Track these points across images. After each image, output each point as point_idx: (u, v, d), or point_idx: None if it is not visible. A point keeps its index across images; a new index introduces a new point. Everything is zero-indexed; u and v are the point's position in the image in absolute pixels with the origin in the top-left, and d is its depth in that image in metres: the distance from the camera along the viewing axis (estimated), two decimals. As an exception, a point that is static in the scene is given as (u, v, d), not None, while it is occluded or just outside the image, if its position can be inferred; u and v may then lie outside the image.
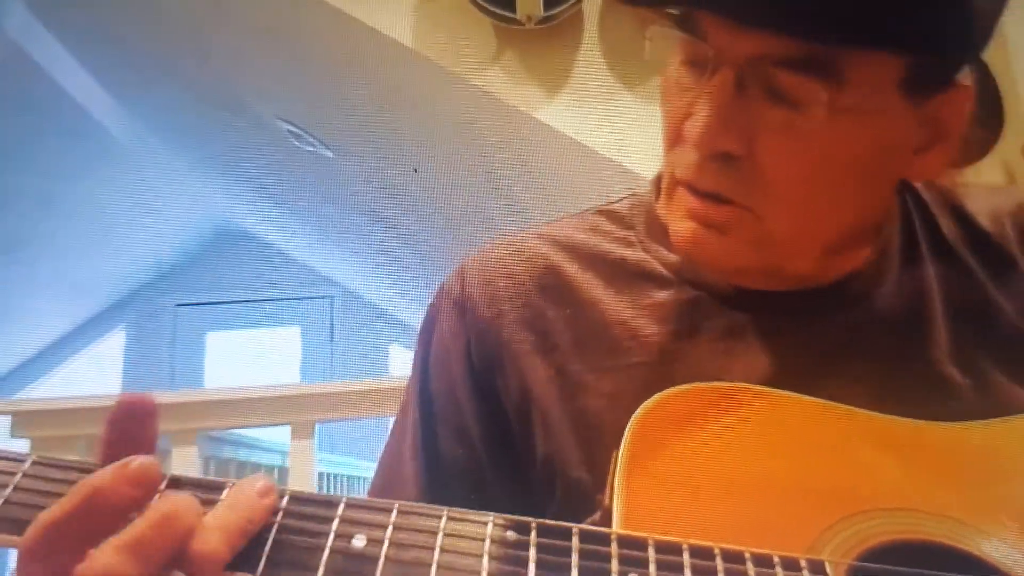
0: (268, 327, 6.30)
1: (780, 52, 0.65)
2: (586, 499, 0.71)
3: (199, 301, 6.34)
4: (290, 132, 3.35)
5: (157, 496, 0.52)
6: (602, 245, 0.81)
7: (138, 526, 0.50)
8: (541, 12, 1.97)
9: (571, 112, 2.06)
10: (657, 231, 0.80)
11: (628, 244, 0.81)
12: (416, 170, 2.98)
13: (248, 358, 6.02)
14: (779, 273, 0.75)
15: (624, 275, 0.79)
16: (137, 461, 0.51)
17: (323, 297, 6.32)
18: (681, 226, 0.72)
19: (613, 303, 0.78)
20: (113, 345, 6.29)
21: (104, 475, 0.50)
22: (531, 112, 2.06)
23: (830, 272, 0.76)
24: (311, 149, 3.43)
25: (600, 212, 0.85)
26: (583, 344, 0.77)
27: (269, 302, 6.26)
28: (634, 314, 0.77)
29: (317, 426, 2.66)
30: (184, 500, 0.51)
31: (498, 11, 1.99)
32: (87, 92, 4.19)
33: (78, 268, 5.45)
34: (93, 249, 5.39)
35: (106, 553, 0.49)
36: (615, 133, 2.04)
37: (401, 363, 5.74)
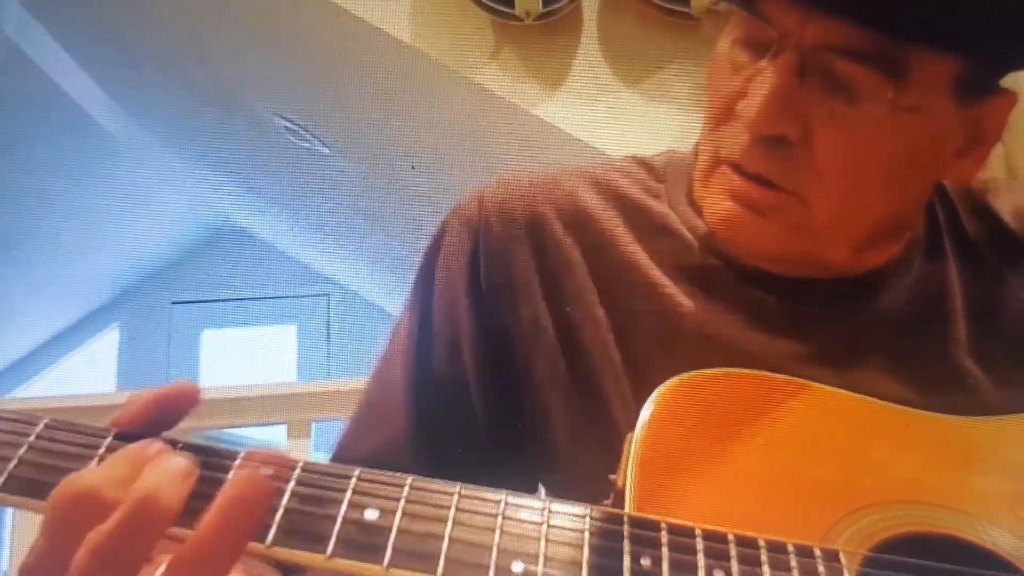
0: (264, 325, 6.29)
1: (849, 43, 0.64)
2: (564, 432, 0.73)
3: (194, 299, 6.32)
4: (287, 129, 3.34)
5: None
6: (630, 189, 0.80)
7: (109, 525, 0.47)
8: (540, 8, 1.97)
9: (570, 109, 2.06)
10: (689, 193, 0.79)
11: (655, 195, 0.80)
12: (414, 167, 2.98)
13: (244, 356, 6.01)
14: (810, 261, 0.74)
15: (645, 224, 0.78)
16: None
17: (320, 295, 6.32)
18: (720, 205, 0.72)
19: (631, 245, 0.77)
20: (108, 343, 6.28)
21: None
22: (529, 109, 2.05)
23: (860, 264, 0.76)
24: (308, 146, 3.42)
25: (635, 159, 0.84)
26: (596, 277, 0.76)
27: (265, 300, 6.25)
28: (651, 264, 0.76)
29: (313, 425, 2.65)
30: (160, 480, 0.48)
31: (497, 7, 1.98)
32: (83, 90, 4.18)
33: (73, 266, 5.44)
34: (88, 246, 5.38)
35: (82, 556, 0.46)
36: (614, 130, 2.03)
37: (398, 361, 5.73)
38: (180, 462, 0.49)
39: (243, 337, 6.27)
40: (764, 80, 0.67)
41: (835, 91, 0.66)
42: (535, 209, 0.78)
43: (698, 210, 0.77)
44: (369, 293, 5.94)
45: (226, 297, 6.31)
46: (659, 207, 0.79)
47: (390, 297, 5.62)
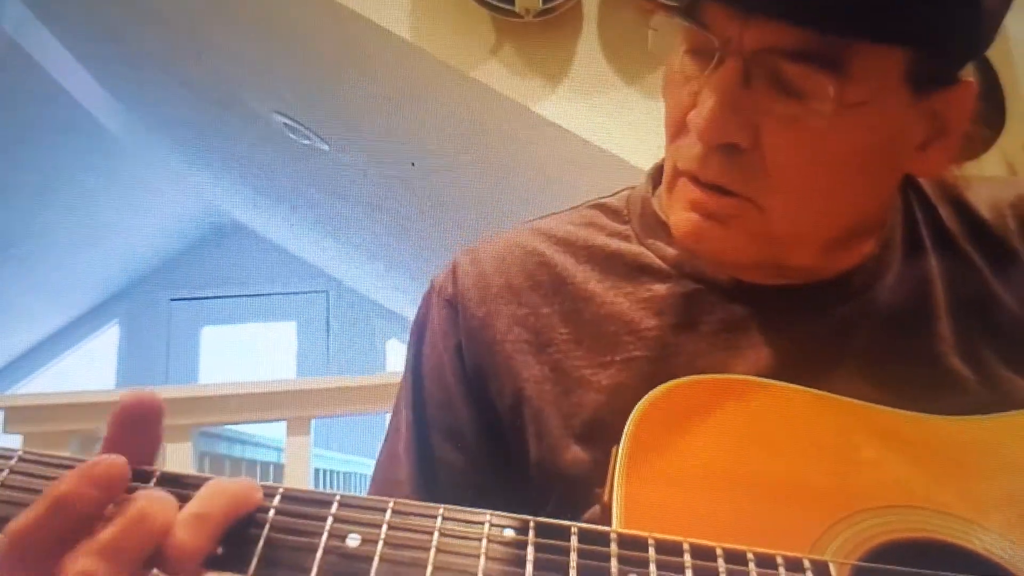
0: (264, 322, 6.29)
1: (788, 43, 0.64)
2: (585, 499, 0.70)
3: (194, 296, 6.32)
4: (286, 126, 3.34)
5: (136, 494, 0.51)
6: (598, 239, 0.80)
7: (111, 529, 0.49)
8: (540, 5, 1.96)
9: (569, 105, 2.05)
10: (653, 224, 0.79)
11: (624, 238, 0.80)
12: (413, 164, 2.98)
13: (243, 353, 6.01)
14: (780, 267, 0.74)
15: (621, 268, 0.78)
16: (103, 462, 0.50)
17: (319, 292, 6.31)
18: (682, 217, 0.72)
19: (610, 296, 0.77)
20: (107, 340, 6.28)
21: (69, 479, 0.50)
22: (529, 105, 2.05)
23: (832, 266, 0.76)
24: (307, 143, 3.42)
25: (594, 206, 0.84)
26: (579, 339, 0.76)
27: (264, 296, 6.25)
28: (632, 307, 0.76)
29: (313, 422, 2.66)
30: (157, 498, 0.50)
31: (497, 4, 1.97)
32: (83, 87, 4.18)
33: (72, 263, 5.44)
34: (87, 244, 5.38)
35: (79, 558, 0.48)
36: (613, 126, 2.03)
37: (398, 358, 5.74)
38: (110, 470, 0.50)
39: (242, 334, 6.26)
40: (710, 90, 0.66)
41: (781, 93, 0.66)
42: (510, 282, 0.79)
43: (664, 236, 0.77)
44: (368, 290, 5.94)
45: (225, 294, 6.30)
46: (629, 248, 0.79)
47: (389, 294, 5.62)
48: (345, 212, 4.39)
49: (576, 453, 0.72)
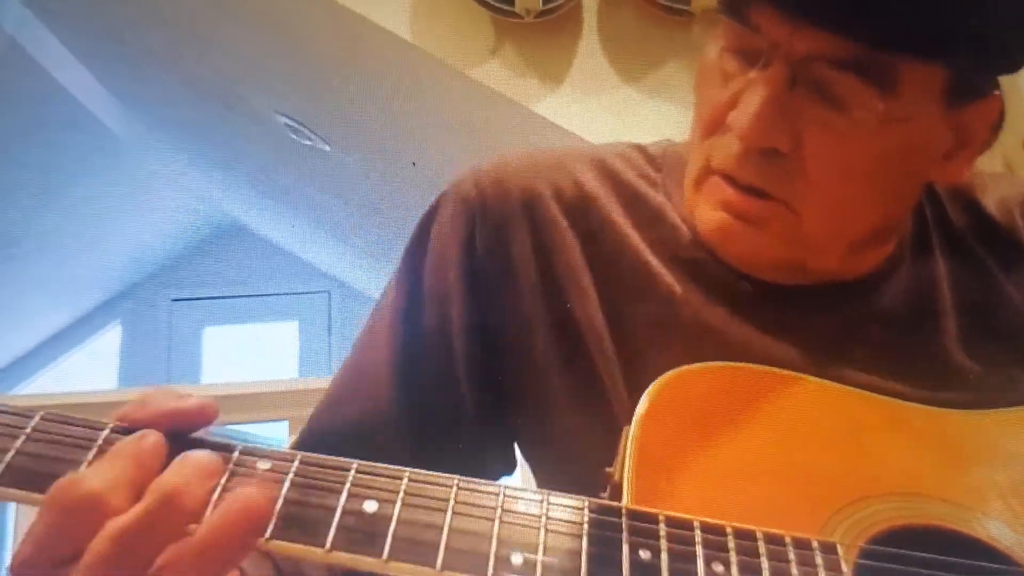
0: (266, 322, 6.29)
1: (838, 53, 0.64)
2: (560, 410, 0.73)
3: (196, 296, 6.32)
4: (288, 126, 3.34)
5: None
6: (628, 174, 0.80)
7: (136, 513, 0.47)
8: (540, 5, 1.96)
9: (570, 105, 2.05)
10: (681, 187, 0.79)
11: (652, 184, 0.80)
12: (415, 164, 2.98)
13: (245, 353, 6.01)
14: (802, 270, 0.75)
15: (642, 211, 0.78)
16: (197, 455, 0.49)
17: (321, 292, 6.32)
18: (712, 215, 0.72)
19: (628, 232, 0.77)
20: (109, 340, 6.28)
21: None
22: (530, 106, 2.05)
23: (851, 270, 0.76)
24: (309, 143, 3.42)
25: (633, 146, 0.84)
26: (593, 261, 0.76)
27: (267, 297, 6.25)
28: (647, 250, 0.76)
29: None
30: (187, 477, 0.49)
31: (497, 4, 1.97)
32: (83, 86, 4.18)
33: (73, 263, 5.44)
34: (89, 243, 5.38)
35: (101, 541, 0.46)
36: (614, 127, 2.03)
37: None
38: (207, 459, 0.50)
39: (245, 334, 6.27)
40: (755, 91, 0.66)
41: (825, 101, 0.66)
42: (533, 188, 0.78)
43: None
44: (370, 290, 5.93)
45: (227, 294, 6.31)
46: (655, 196, 0.79)
47: (391, 294, 5.61)
48: (346, 212, 4.39)
49: (564, 363, 0.74)
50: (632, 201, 0.79)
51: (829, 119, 0.66)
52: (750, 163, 0.69)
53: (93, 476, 0.48)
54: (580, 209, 0.78)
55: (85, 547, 0.47)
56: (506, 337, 0.77)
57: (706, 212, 0.72)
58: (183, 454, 0.50)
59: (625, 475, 0.59)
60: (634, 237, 0.77)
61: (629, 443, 0.60)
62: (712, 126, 0.71)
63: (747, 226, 0.70)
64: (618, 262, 0.76)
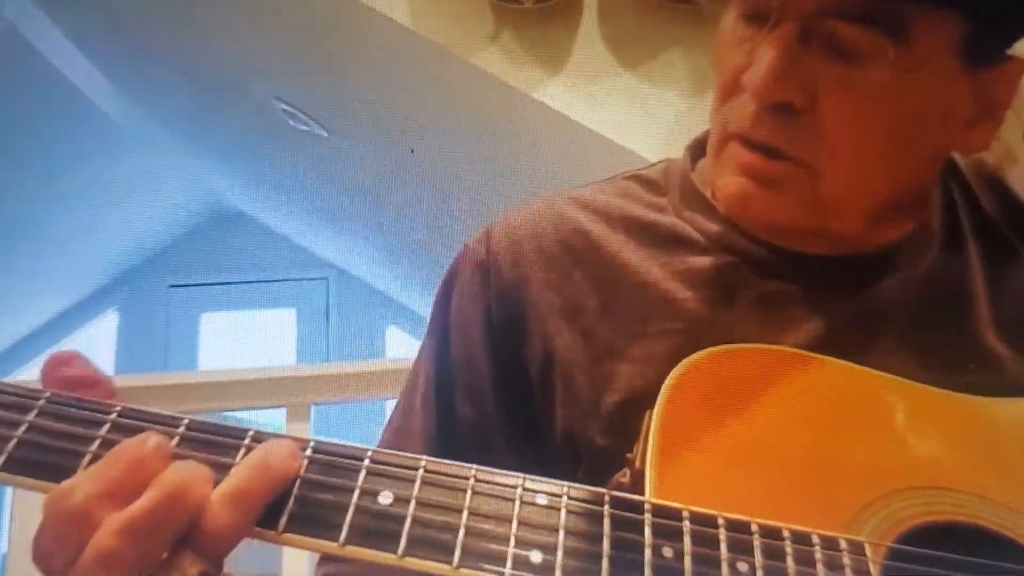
0: (263, 308, 6.28)
1: (848, 5, 0.64)
2: (612, 469, 0.69)
3: (193, 282, 6.31)
4: (286, 112, 3.33)
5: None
6: (634, 209, 0.80)
7: (142, 506, 0.46)
8: (539, -9, 1.96)
9: (569, 92, 2.05)
10: (692, 198, 0.79)
11: (660, 210, 0.80)
12: (413, 150, 2.97)
13: (243, 340, 6.00)
14: (823, 235, 0.74)
15: (658, 239, 0.78)
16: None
17: (319, 278, 6.30)
18: (731, 181, 0.72)
19: (645, 266, 0.76)
20: (106, 327, 6.27)
21: (182, 467, 0.48)
22: (529, 92, 2.05)
23: (873, 239, 0.76)
24: (306, 129, 3.41)
25: (630, 177, 0.84)
26: (612, 308, 0.75)
27: (264, 283, 6.24)
28: (667, 278, 0.75)
29: (313, 409, 2.65)
30: (193, 473, 0.48)
31: (496, -10, 1.97)
32: (83, 74, 4.16)
33: (71, 249, 5.43)
34: (87, 230, 5.37)
35: (106, 536, 0.46)
36: (614, 113, 2.03)
37: (398, 345, 5.73)
38: (203, 470, 0.49)
39: (242, 320, 6.26)
40: (767, 49, 0.67)
41: (839, 56, 0.66)
42: (543, 246, 0.78)
43: (703, 210, 0.77)
44: (368, 276, 5.93)
45: (225, 280, 6.29)
46: (667, 220, 0.79)
47: (389, 281, 5.61)
48: (344, 198, 4.38)
49: (605, 423, 0.71)
50: (644, 234, 0.78)
51: (844, 75, 0.66)
52: (764, 121, 0.69)
53: (86, 485, 0.47)
54: (592, 259, 0.77)
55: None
56: (532, 390, 0.76)
57: (725, 178, 0.72)
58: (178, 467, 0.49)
59: (648, 460, 0.58)
60: (652, 270, 0.76)
61: (652, 427, 0.59)
62: (728, 90, 0.71)
63: (764, 188, 0.70)
64: (639, 300, 0.75)
